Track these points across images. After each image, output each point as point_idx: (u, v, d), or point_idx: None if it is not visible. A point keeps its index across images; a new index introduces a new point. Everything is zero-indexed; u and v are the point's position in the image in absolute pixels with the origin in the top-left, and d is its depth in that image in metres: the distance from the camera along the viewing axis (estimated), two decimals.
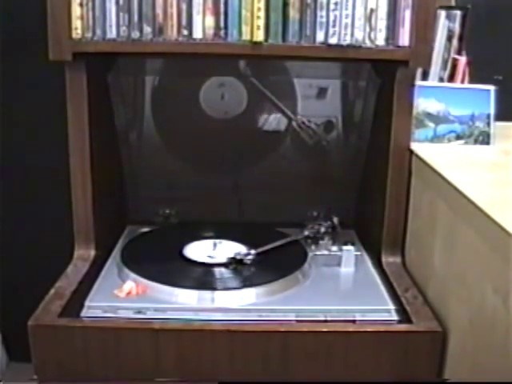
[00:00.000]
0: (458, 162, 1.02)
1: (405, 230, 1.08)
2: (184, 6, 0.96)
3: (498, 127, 1.12)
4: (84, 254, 1.07)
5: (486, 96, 1.12)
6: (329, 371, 0.89)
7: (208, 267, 1.03)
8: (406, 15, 0.97)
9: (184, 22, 0.96)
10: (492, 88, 1.12)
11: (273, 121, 1.27)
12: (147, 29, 0.96)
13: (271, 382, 0.90)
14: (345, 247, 1.09)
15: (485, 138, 1.11)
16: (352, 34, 0.97)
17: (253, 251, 1.05)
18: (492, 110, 1.12)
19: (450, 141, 1.11)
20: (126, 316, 0.90)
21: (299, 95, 1.26)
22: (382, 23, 0.97)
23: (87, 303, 0.93)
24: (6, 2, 1.38)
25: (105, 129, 1.16)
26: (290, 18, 0.96)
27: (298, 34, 0.97)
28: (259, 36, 0.96)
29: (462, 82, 1.20)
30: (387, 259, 1.09)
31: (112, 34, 0.96)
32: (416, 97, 1.05)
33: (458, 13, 1.20)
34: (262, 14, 0.95)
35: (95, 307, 0.92)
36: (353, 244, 1.10)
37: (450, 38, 1.20)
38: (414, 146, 1.05)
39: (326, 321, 0.91)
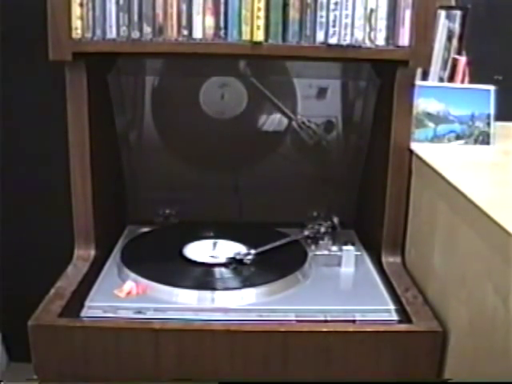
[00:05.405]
0: (458, 162, 1.02)
1: (405, 230, 1.08)
2: (184, 6, 0.96)
3: (498, 127, 1.12)
4: (84, 254, 1.07)
5: (486, 96, 1.12)
6: (329, 371, 0.89)
7: (208, 267, 1.03)
8: (406, 15, 0.97)
9: (184, 22, 0.96)
10: (492, 88, 1.12)
11: (273, 121, 1.27)
12: (147, 29, 0.96)
13: (271, 382, 0.90)
14: (345, 247, 1.09)
15: (485, 138, 1.11)
16: (352, 34, 0.97)
17: (253, 251, 1.05)
18: (492, 110, 1.12)
19: (450, 141, 1.11)
20: (126, 316, 0.90)
21: (299, 95, 1.26)
22: (382, 23, 0.97)
23: (87, 303, 0.93)
24: (5, 1, 1.38)
25: (105, 129, 1.16)
26: (290, 18, 0.96)
27: (297, 34, 0.97)
28: (259, 36, 0.96)
29: (462, 82, 1.20)
30: (387, 259, 1.09)
31: (112, 34, 0.96)
32: (416, 97, 1.05)
33: (458, 13, 1.20)
34: (261, 13, 0.95)
35: (95, 307, 0.92)
36: (353, 244, 1.10)
37: (450, 38, 1.20)
38: (414, 146, 1.05)
39: (326, 321, 0.91)
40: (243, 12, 0.96)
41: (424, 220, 1.01)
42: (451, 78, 1.20)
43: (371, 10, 0.97)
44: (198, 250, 1.08)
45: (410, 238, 1.08)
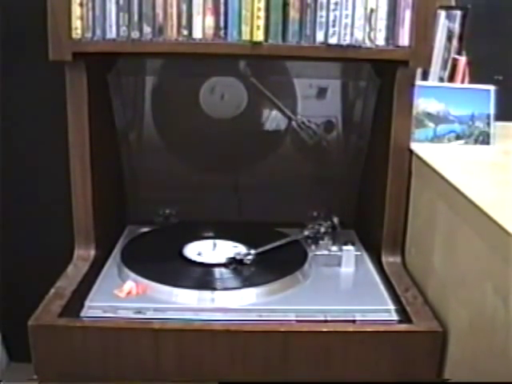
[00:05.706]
0: (457, 162, 1.02)
1: (405, 229, 1.08)
2: (184, 6, 0.96)
3: (498, 127, 1.12)
4: (84, 254, 1.07)
5: (486, 96, 1.12)
6: (329, 371, 0.89)
7: (208, 267, 1.03)
8: (406, 15, 0.97)
9: (184, 22, 0.96)
10: (492, 88, 1.12)
11: (273, 121, 1.27)
12: (147, 29, 0.96)
13: (271, 382, 0.90)
14: (345, 247, 1.09)
15: (485, 138, 1.11)
16: (352, 34, 0.97)
17: (253, 251, 1.05)
18: (492, 110, 1.12)
19: (450, 141, 1.11)
20: (126, 316, 0.90)
21: (299, 95, 1.26)
22: (381, 23, 0.97)
23: (87, 303, 0.93)
24: (5, 1, 1.38)
25: (105, 129, 1.16)
26: (290, 18, 0.96)
27: (298, 34, 0.97)
28: (259, 36, 0.96)
29: (462, 82, 1.20)
30: (387, 259, 1.09)
31: (112, 34, 0.96)
32: (416, 97, 1.05)
33: (458, 13, 1.20)
34: (262, 13, 0.95)
35: (95, 307, 0.92)
36: (353, 244, 1.10)
37: (449, 38, 1.20)
38: (414, 146, 1.05)
39: (326, 321, 0.91)
40: (243, 12, 0.96)
41: (424, 220, 1.01)
42: (451, 78, 1.20)
43: (371, 10, 0.97)
44: (198, 250, 1.08)
45: (410, 237, 1.08)
